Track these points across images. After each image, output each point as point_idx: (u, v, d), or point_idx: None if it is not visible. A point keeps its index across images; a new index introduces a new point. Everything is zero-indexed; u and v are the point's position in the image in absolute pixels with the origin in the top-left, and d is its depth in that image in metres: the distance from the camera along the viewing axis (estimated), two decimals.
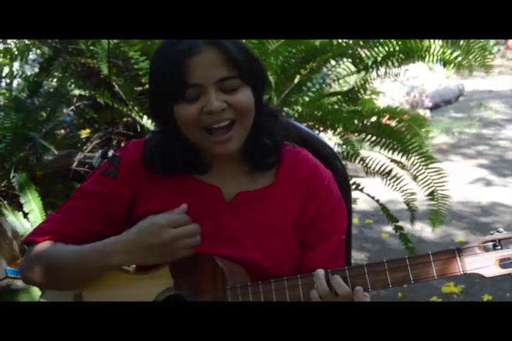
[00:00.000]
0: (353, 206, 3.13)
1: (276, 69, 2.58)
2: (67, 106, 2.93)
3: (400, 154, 2.65)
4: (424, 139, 2.85)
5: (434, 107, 8.14)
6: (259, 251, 1.37)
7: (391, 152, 2.65)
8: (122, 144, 2.94)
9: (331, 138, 2.77)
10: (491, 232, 1.19)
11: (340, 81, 2.94)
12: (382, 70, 2.75)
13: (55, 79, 2.86)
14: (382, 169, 2.68)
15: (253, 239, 1.37)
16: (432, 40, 2.64)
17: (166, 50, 1.29)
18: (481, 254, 1.17)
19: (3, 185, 2.55)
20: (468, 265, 1.17)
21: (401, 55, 2.65)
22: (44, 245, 1.38)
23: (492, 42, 11.77)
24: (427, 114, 7.27)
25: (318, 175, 1.41)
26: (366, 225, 4.59)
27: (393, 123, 2.86)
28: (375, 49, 2.64)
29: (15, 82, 3.16)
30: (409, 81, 7.85)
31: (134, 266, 1.40)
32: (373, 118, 2.80)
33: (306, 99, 2.50)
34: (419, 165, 2.64)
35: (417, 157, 2.62)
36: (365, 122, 2.69)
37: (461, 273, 1.18)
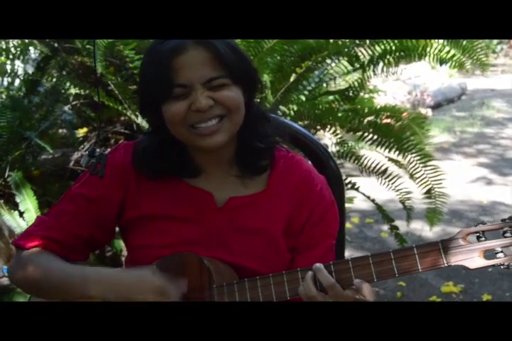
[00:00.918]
0: (351, 206, 3.14)
1: (273, 68, 2.57)
2: (65, 105, 2.93)
3: (397, 152, 2.64)
4: (422, 138, 2.84)
5: (436, 106, 8.13)
6: (249, 256, 1.36)
7: (387, 150, 2.65)
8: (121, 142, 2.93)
9: (330, 138, 2.76)
10: (475, 224, 1.18)
11: (339, 80, 2.93)
12: (379, 69, 2.74)
13: (51, 78, 2.86)
14: (377, 168, 2.67)
15: (243, 245, 1.37)
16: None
17: (154, 50, 1.29)
18: (465, 246, 1.16)
19: None
20: (453, 257, 1.16)
21: (397, 54, 2.64)
22: (32, 255, 1.37)
23: (495, 41, 11.75)
24: (429, 112, 7.27)
25: (310, 181, 1.41)
26: (366, 225, 4.58)
27: (391, 122, 2.85)
28: (371, 47, 2.63)
29: (13, 81, 3.16)
30: (411, 80, 7.85)
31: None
32: (371, 117, 2.79)
33: (302, 97, 2.50)
34: (416, 163, 2.63)
35: (413, 155, 2.62)
36: (362, 121, 2.68)
37: (445, 265, 1.17)
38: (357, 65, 2.70)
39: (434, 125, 7.18)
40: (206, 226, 1.37)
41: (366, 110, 2.81)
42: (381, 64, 2.69)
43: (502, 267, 1.15)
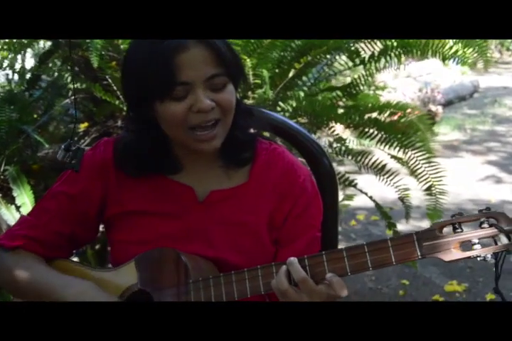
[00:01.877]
0: (351, 203, 3.12)
1: (272, 64, 2.55)
2: (65, 99, 2.93)
3: (397, 149, 2.61)
4: (426, 134, 2.81)
5: (448, 103, 8.07)
6: (231, 250, 1.35)
7: (388, 147, 2.62)
8: None
9: (328, 135, 2.74)
10: (452, 215, 1.15)
11: (343, 76, 2.91)
12: (381, 65, 2.71)
13: (53, 72, 2.86)
14: (375, 165, 2.65)
15: (225, 239, 1.36)
16: None
17: (153, 48, 1.25)
18: (441, 238, 1.14)
19: None
20: (427, 249, 1.14)
21: (399, 50, 2.61)
22: (15, 258, 1.38)
23: None
24: (439, 110, 7.21)
25: (292, 173, 1.39)
26: (372, 222, 4.56)
27: (396, 119, 2.82)
28: (372, 43, 2.60)
29: (16, 76, 3.16)
30: (422, 77, 7.79)
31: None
32: (374, 114, 2.77)
33: (301, 94, 2.48)
34: (417, 160, 2.60)
35: (414, 152, 2.59)
36: (363, 117, 2.65)
37: (419, 257, 1.15)
38: (357, 61, 2.67)
39: (445, 122, 7.14)
40: (187, 221, 1.36)
41: (369, 106, 2.78)
42: (383, 60, 2.66)
43: (478, 259, 1.13)
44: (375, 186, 2.96)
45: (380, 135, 2.63)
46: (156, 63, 1.23)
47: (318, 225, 1.42)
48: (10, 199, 2.50)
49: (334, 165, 3.03)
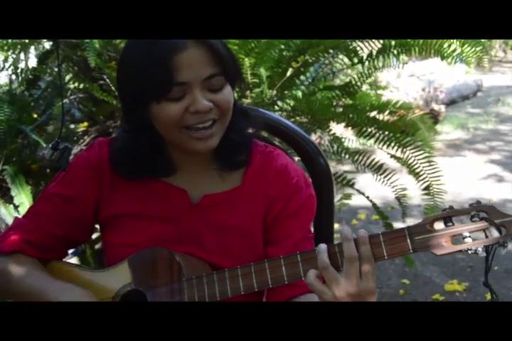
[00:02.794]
0: (349, 201, 3.11)
1: (271, 63, 2.55)
2: (65, 99, 2.93)
3: (395, 148, 2.61)
4: (426, 134, 2.81)
5: (451, 102, 8.06)
6: (223, 254, 1.35)
7: (386, 146, 2.62)
8: None
9: (324, 134, 2.74)
10: (443, 209, 1.16)
11: (344, 75, 2.91)
12: (379, 64, 2.71)
13: (52, 73, 2.87)
14: (372, 164, 2.64)
15: (217, 243, 1.36)
16: None
17: (150, 48, 1.24)
18: (432, 232, 1.15)
19: None
20: (419, 243, 1.15)
21: (397, 49, 2.61)
22: (9, 262, 1.38)
23: None
24: (442, 109, 7.20)
25: (286, 175, 1.39)
26: (373, 221, 4.55)
27: (395, 118, 2.82)
28: (370, 42, 2.60)
29: (16, 75, 3.17)
30: (426, 76, 7.78)
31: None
32: (374, 113, 2.76)
33: (299, 93, 2.47)
34: (415, 160, 2.60)
35: (412, 151, 2.59)
36: (361, 116, 2.65)
37: (411, 251, 1.16)
38: (355, 60, 2.67)
39: (448, 121, 7.13)
40: (180, 225, 1.36)
41: (368, 105, 2.78)
42: (381, 59, 2.66)
43: (470, 252, 1.13)
44: (377, 186, 2.96)
45: (378, 134, 2.63)
46: (153, 63, 1.22)
47: (309, 226, 1.42)
48: (8, 199, 2.50)
49: (333, 164, 3.04)
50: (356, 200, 3.25)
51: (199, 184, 1.38)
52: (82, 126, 3.05)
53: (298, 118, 2.56)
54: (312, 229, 1.57)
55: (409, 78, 7.57)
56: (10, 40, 3.05)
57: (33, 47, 3.22)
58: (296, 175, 1.40)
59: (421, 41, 2.59)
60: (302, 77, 2.51)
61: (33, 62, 3.33)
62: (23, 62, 3.27)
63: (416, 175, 2.61)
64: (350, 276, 1.15)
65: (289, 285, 1.26)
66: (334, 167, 3.07)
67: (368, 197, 2.72)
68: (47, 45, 3.23)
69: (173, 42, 1.23)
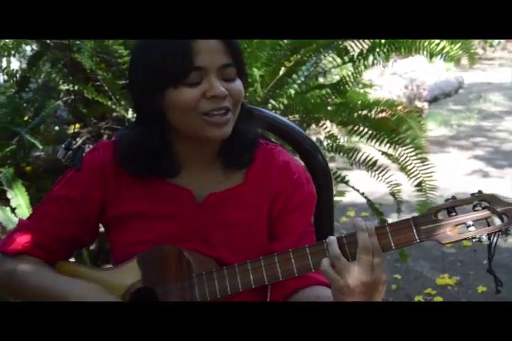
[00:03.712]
0: (343, 199, 3.14)
1: (263, 62, 2.57)
2: (56, 101, 2.93)
3: (387, 145, 2.64)
4: (417, 131, 2.84)
5: (433, 100, 8.14)
6: (230, 250, 1.37)
7: (378, 144, 2.65)
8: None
9: (320, 132, 2.77)
10: (446, 200, 1.20)
11: (331, 74, 2.93)
12: (369, 62, 2.74)
13: (42, 75, 2.86)
14: (366, 161, 2.67)
15: (224, 238, 1.38)
16: None
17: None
18: (437, 221, 1.18)
19: None
20: (424, 233, 1.19)
21: (387, 47, 2.64)
22: (15, 264, 1.38)
23: None
24: (425, 106, 7.27)
25: (288, 171, 1.41)
26: (362, 218, 4.58)
27: (386, 116, 2.85)
28: (360, 41, 2.63)
29: (3, 78, 3.16)
30: (408, 74, 7.84)
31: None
32: (365, 111, 2.79)
33: (292, 91, 2.50)
34: (407, 157, 2.63)
35: (404, 148, 2.62)
36: (353, 114, 2.68)
37: (417, 241, 1.19)
38: (346, 59, 2.70)
39: (431, 119, 7.19)
40: (186, 223, 1.38)
41: (359, 104, 2.81)
42: (371, 57, 2.69)
43: (474, 240, 1.17)
44: (364, 182, 2.99)
45: (370, 132, 2.66)
46: (173, 47, 1.26)
47: (310, 220, 1.45)
48: (4, 202, 2.50)
49: None
50: (345, 197, 3.29)
51: (204, 183, 1.39)
52: (74, 128, 3.04)
53: (291, 116, 2.59)
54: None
55: (391, 76, 7.63)
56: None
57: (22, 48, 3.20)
58: (297, 171, 1.43)
59: (410, 39, 2.62)
60: (294, 76, 2.53)
61: (15, 64, 3.32)
62: (12, 65, 3.25)
63: (408, 171, 2.64)
64: (364, 266, 1.18)
65: (294, 278, 1.28)
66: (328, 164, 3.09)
67: (362, 194, 2.75)
68: (35, 46, 3.22)
69: None
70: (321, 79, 3.00)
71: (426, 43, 2.62)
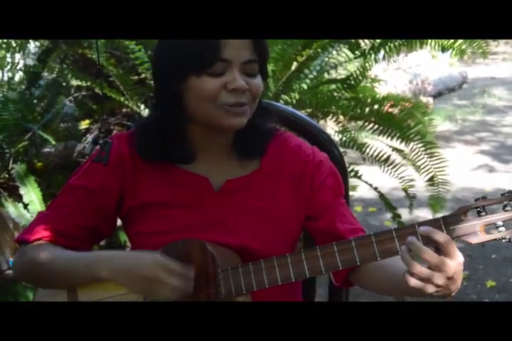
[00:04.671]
0: (354, 194, 3.15)
1: (275, 57, 2.57)
2: (66, 97, 2.93)
3: (399, 140, 2.64)
4: (425, 126, 2.84)
5: (437, 95, 8.12)
6: (251, 236, 1.37)
7: (390, 139, 2.65)
8: None
9: (332, 127, 2.76)
10: (475, 199, 1.18)
11: (341, 68, 2.93)
12: (380, 56, 2.73)
13: (52, 71, 2.86)
14: (379, 156, 2.67)
15: (244, 226, 1.38)
16: None
17: None
18: (466, 221, 1.16)
19: (2, 176, 2.56)
20: (454, 233, 1.17)
21: (399, 41, 2.64)
22: (36, 247, 1.37)
23: None
24: (430, 101, 7.26)
25: (302, 154, 1.42)
26: (370, 213, 4.58)
27: (395, 111, 2.85)
28: None
29: (9, 74, 3.16)
30: (412, 69, 7.83)
31: None
32: (375, 106, 2.79)
33: (304, 86, 2.50)
34: (419, 151, 2.63)
35: (415, 142, 2.62)
36: (364, 109, 2.68)
37: None
38: (358, 53, 2.70)
39: (436, 113, 7.17)
40: (205, 211, 1.38)
41: (369, 99, 2.81)
42: (382, 51, 2.69)
43: (504, 241, 1.15)
44: (372, 176, 2.99)
45: (382, 127, 2.66)
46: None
47: (341, 192, 1.45)
48: (17, 198, 2.50)
49: None
50: (354, 192, 3.29)
51: (219, 171, 1.40)
52: (84, 124, 3.05)
53: (302, 111, 2.58)
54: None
55: (395, 71, 7.62)
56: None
57: (31, 46, 3.21)
58: (311, 152, 1.44)
59: None
60: (306, 71, 2.53)
61: (24, 61, 3.32)
62: (22, 61, 3.26)
63: (420, 166, 2.64)
64: (454, 255, 1.15)
65: None
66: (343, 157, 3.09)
67: (375, 189, 2.75)
68: (36, 43, 3.22)
69: None
70: (331, 75, 3.00)
71: None
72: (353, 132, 2.73)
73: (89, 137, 2.98)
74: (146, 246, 1.36)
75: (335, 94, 2.78)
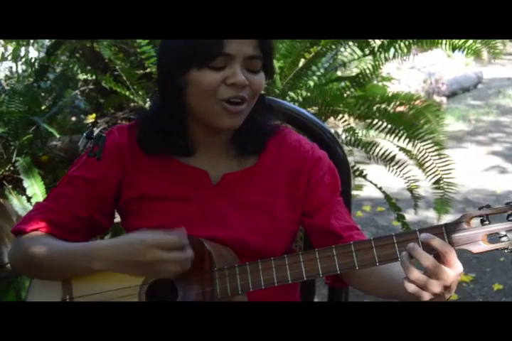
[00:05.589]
0: (360, 193, 3.12)
1: (283, 53, 2.55)
2: (74, 91, 2.93)
3: (406, 140, 2.61)
4: (436, 126, 2.80)
5: (452, 95, 8.06)
6: (248, 230, 1.36)
7: (397, 138, 2.62)
8: None
9: (339, 126, 2.74)
10: (479, 207, 1.15)
11: (351, 66, 2.90)
12: (390, 55, 2.70)
13: (61, 64, 2.86)
14: (384, 155, 2.64)
15: (241, 219, 1.37)
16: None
17: None
18: (469, 230, 1.14)
19: (7, 169, 2.56)
20: (456, 241, 1.14)
21: (409, 40, 2.61)
22: (32, 238, 1.36)
23: None
24: (443, 101, 7.21)
25: (301, 150, 1.42)
26: (378, 213, 4.56)
27: (404, 110, 2.82)
28: None
29: (23, 67, 3.16)
30: (426, 68, 7.78)
31: None
32: (383, 105, 2.76)
33: (311, 83, 2.47)
34: (425, 152, 2.60)
35: (423, 143, 2.58)
36: (372, 108, 2.65)
37: None
38: (367, 51, 2.67)
39: (449, 113, 7.13)
40: (203, 205, 1.37)
41: (378, 97, 2.78)
42: (392, 50, 2.65)
43: (506, 251, 1.13)
44: (380, 176, 2.96)
45: (389, 126, 2.63)
46: None
47: (338, 190, 1.43)
48: (20, 191, 2.50)
49: None
50: (361, 192, 3.26)
51: (218, 165, 1.40)
52: (91, 118, 3.04)
53: (309, 108, 2.56)
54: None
55: (409, 70, 7.57)
56: None
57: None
58: (310, 148, 1.43)
59: None
60: (314, 68, 2.51)
61: (38, 54, 3.32)
62: (30, 54, 3.26)
63: (426, 168, 2.61)
64: (454, 264, 1.13)
65: None
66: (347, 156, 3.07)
67: (380, 188, 2.72)
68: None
69: None
70: (340, 72, 2.97)
71: None
72: (357, 131, 2.69)
73: (96, 131, 2.97)
74: None
75: (343, 92, 2.75)
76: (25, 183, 2.41)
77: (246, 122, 1.35)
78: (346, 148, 2.70)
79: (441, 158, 2.61)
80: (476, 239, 1.14)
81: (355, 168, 2.69)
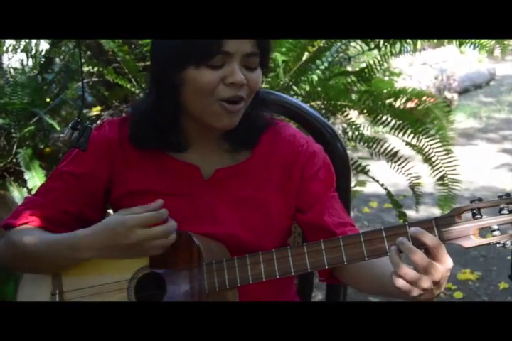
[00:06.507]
0: (364, 189, 3.10)
1: (286, 47, 2.53)
2: (78, 83, 2.91)
3: (411, 136, 2.58)
4: (444, 122, 2.77)
5: (463, 91, 8.00)
6: (239, 226, 1.35)
7: (401, 134, 2.59)
8: None
9: (343, 121, 2.71)
10: (471, 201, 1.13)
11: (359, 61, 2.87)
12: (396, 49, 2.67)
13: (65, 56, 2.85)
14: (387, 151, 2.61)
15: (233, 215, 1.36)
16: None
17: None
18: (460, 224, 1.12)
19: (8, 161, 2.56)
20: (447, 235, 1.12)
21: None
22: (19, 231, 1.36)
23: None
24: (455, 97, 7.15)
25: (295, 144, 1.40)
26: (385, 209, 4.53)
27: (412, 106, 2.79)
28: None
29: (29, 59, 3.15)
30: (438, 64, 7.72)
31: None
32: (390, 100, 2.73)
33: (315, 77, 2.45)
34: (430, 149, 2.57)
35: (428, 139, 2.55)
36: (377, 103, 2.62)
37: None
38: (372, 45, 2.64)
39: (460, 110, 7.08)
40: (195, 200, 1.36)
41: (384, 92, 2.75)
42: (398, 44, 2.62)
43: (498, 245, 1.11)
44: (389, 173, 2.94)
45: (394, 121, 2.60)
46: None
47: (333, 185, 1.42)
48: (22, 183, 2.50)
49: (348, 151, 3.01)
50: (368, 188, 3.23)
51: (210, 160, 1.39)
52: (95, 110, 3.03)
53: (313, 103, 2.54)
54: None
55: (421, 66, 7.52)
56: None
57: None
58: (305, 142, 1.42)
59: None
60: (318, 62, 2.48)
61: (44, 45, 3.31)
62: (35, 46, 3.25)
63: (431, 164, 2.58)
64: (443, 259, 1.12)
65: None
66: (348, 154, 3.06)
67: (382, 185, 2.69)
68: None
69: None
70: (350, 68, 2.94)
71: None
72: (361, 126, 2.67)
73: (100, 123, 2.96)
74: None
75: (349, 87, 2.72)
76: (26, 175, 2.41)
77: (240, 123, 1.34)
78: (350, 144, 2.67)
79: (446, 155, 2.58)
80: (468, 233, 1.11)
81: (358, 163, 2.66)
